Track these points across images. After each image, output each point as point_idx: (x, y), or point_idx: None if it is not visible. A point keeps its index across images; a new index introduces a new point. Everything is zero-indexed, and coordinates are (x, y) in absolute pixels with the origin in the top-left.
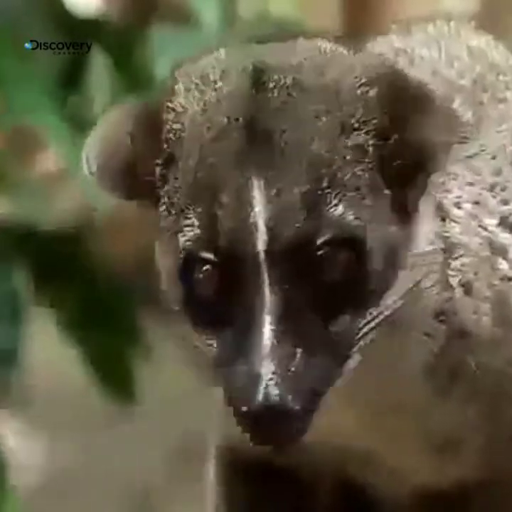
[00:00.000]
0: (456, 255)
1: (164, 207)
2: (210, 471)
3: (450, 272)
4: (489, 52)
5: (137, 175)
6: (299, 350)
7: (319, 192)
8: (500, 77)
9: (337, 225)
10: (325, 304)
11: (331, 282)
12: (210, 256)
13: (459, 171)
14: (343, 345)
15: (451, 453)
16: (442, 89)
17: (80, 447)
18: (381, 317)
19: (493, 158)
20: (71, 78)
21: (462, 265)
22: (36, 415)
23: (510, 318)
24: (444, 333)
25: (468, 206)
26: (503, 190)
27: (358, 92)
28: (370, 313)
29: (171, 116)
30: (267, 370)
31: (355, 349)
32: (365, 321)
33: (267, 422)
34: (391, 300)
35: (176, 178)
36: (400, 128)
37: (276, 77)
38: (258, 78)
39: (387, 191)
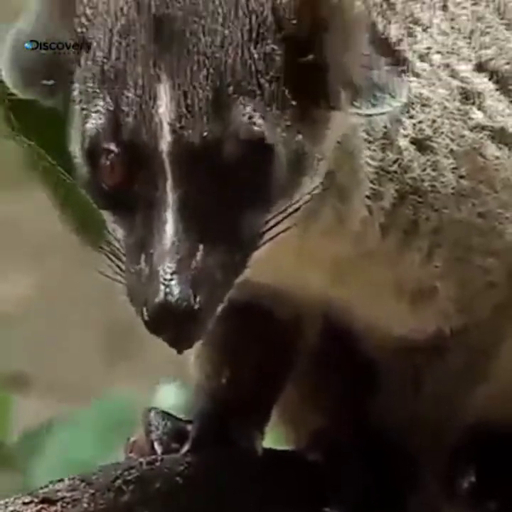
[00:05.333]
0: (410, 113)
1: (77, 92)
2: None
3: (401, 131)
4: None
5: (49, 63)
6: (201, 247)
7: (225, 97)
8: None
9: (244, 129)
10: (229, 202)
11: (236, 182)
12: (112, 147)
13: (433, 20)
14: (249, 238)
15: (426, 302)
16: None
17: (61, 282)
18: (290, 210)
19: (476, 3)
20: None
21: (419, 122)
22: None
23: (482, 169)
24: (395, 191)
25: (437, 57)
26: (483, 35)
27: None
28: (278, 208)
29: None
30: (168, 268)
31: (261, 242)
32: (271, 215)
33: (169, 322)
34: (301, 195)
35: (88, 64)
36: (315, 47)
37: None
38: None
39: (294, 102)
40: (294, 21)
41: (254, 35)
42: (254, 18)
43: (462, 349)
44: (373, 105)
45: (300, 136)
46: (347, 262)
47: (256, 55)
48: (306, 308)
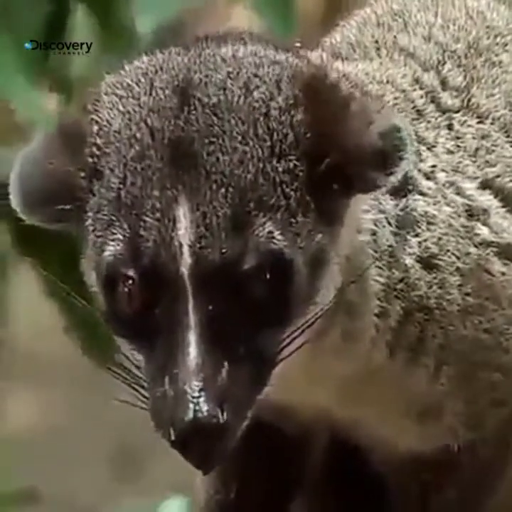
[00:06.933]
0: (416, 232)
1: (91, 221)
2: None
3: (407, 249)
4: (488, 14)
5: (58, 191)
6: (225, 364)
7: (246, 215)
8: (498, 40)
9: (264, 247)
10: (250, 318)
11: (256, 300)
12: (131, 273)
13: (439, 139)
14: (270, 354)
15: (433, 420)
16: (434, 55)
17: (68, 404)
18: (307, 324)
19: (481, 121)
20: (51, 35)
21: (424, 240)
22: (24, 373)
23: (487, 286)
24: (401, 308)
25: (442, 175)
26: (488, 153)
27: (287, 116)
28: (297, 322)
29: (95, 128)
30: (195, 386)
31: (282, 356)
32: (291, 330)
33: (199, 439)
34: (318, 308)
35: (102, 192)
36: (331, 152)
37: (201, 95)
38: (183, 96)
39: (314, 206)
40: (309, 135)
41: (277, 151)
42: (275, 135)
43: (470, 464)
44: (400, 157)
45: (320, 236)
46: (354, 379)
47: (280, 169)
48: (313, 424)
